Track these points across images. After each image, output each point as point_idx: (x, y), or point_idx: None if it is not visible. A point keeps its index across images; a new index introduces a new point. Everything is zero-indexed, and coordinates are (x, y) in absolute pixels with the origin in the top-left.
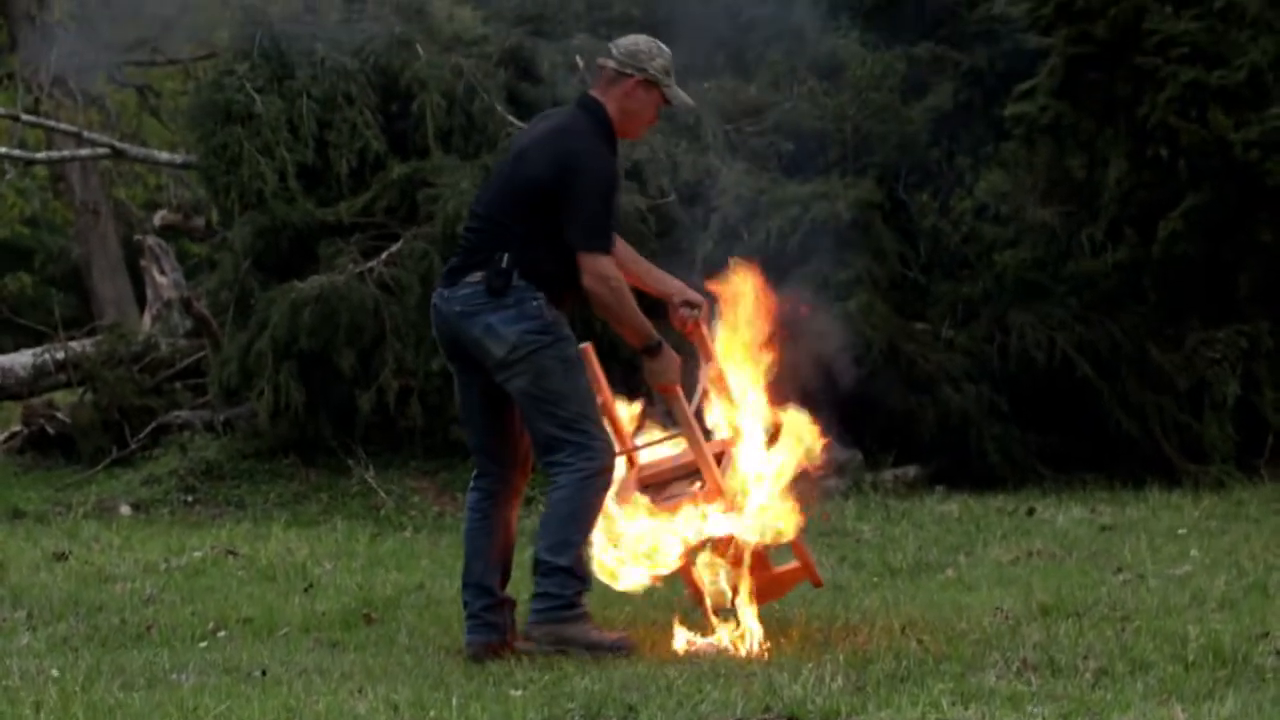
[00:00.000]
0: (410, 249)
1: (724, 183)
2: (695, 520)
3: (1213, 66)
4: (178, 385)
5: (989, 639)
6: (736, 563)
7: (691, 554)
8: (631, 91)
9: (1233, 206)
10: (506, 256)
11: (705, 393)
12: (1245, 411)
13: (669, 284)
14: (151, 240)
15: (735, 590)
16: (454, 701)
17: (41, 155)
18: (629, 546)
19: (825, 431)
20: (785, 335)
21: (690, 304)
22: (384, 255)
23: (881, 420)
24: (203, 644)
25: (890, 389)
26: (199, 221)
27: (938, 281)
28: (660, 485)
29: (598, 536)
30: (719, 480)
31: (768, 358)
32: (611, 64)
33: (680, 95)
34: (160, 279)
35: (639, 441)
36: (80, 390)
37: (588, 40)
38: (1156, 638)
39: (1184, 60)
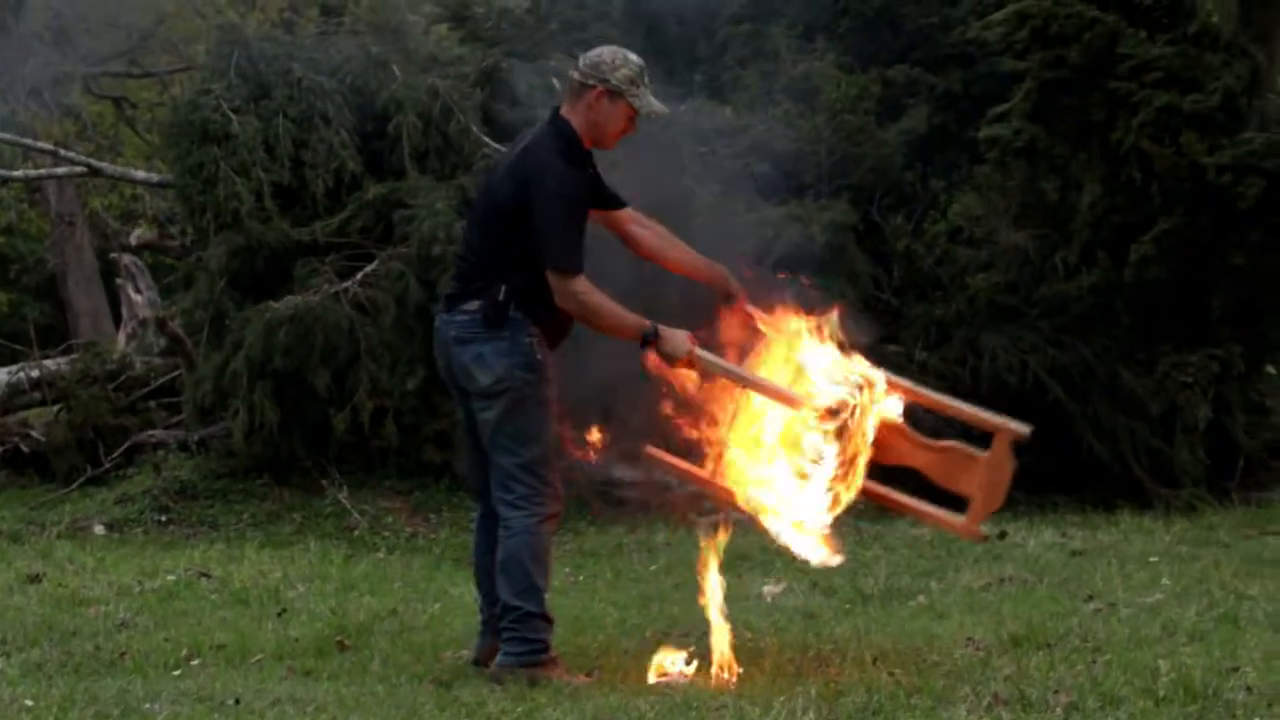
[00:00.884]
0: (386, 269)
1: (698, 204)
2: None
3: (1186, 91)
4: (152, 404)
5: (960, 671)
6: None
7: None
8: (595, 103)
9: (1205, 230)
10: (504, 288)
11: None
12: (1216, 435)
13: (712, 270)
14: (127, 259)
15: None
16: None
17: (18, 174)
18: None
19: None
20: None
21: (729, 295)
22: (359, 275)
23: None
24: (176, 672)
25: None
26: (175, 241)
27: (911, 304)
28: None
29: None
30: (789, 392)
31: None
32: (576, 76)
33: (649, 103)
34: (135, 297)
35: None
36: (55, 408)
37: (564, 61)
38: (1127, 671)
39: (1158, 85)
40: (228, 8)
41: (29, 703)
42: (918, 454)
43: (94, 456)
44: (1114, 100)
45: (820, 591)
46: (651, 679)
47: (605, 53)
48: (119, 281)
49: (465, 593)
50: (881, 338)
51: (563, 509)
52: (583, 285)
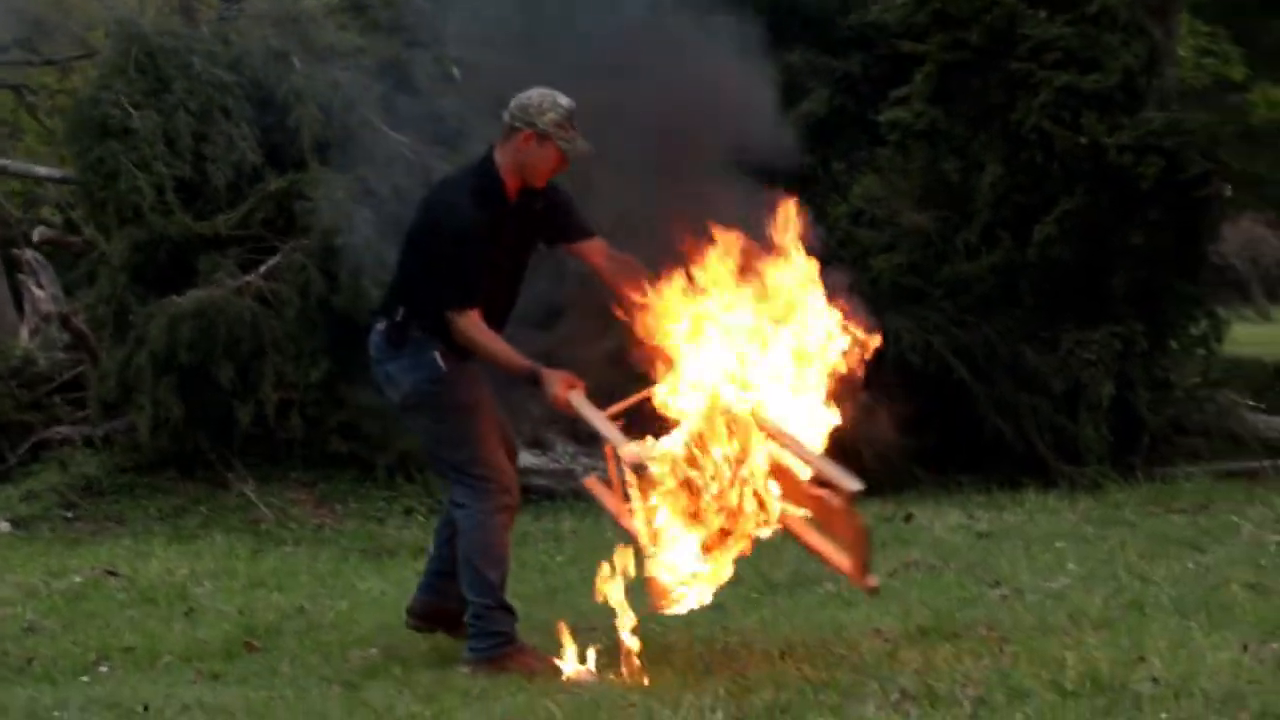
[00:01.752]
0: (288, 262)
1: (598, 187)
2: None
3: (1086, 71)
4: (57, 400)
5: (867, 665)
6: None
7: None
8: (523, 145)
9: (1106, 210)
10: (403, 310)
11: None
12: (1121, 412)
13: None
14: (30, 254)
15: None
16: None
17: None
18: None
19: None
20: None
21: None
22: (262, 268)
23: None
24: (84, 678)
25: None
26: (77, 236)
27: None
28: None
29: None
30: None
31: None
32: (506, 117)
33: (577, 146)
34: (38, 293)
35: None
36: None
37: (464, 51)
38: (1034, 663)
39: (1057, 65)
40: None
41: None
42: (800, 498)
43: None
44: (1014, 81)
45: (728, 581)
46: (567, 674)
47: (534, 96)
48: (21, 277)
49: (373, 587)
50: None
51: (514, 500)
52: (467, 322)
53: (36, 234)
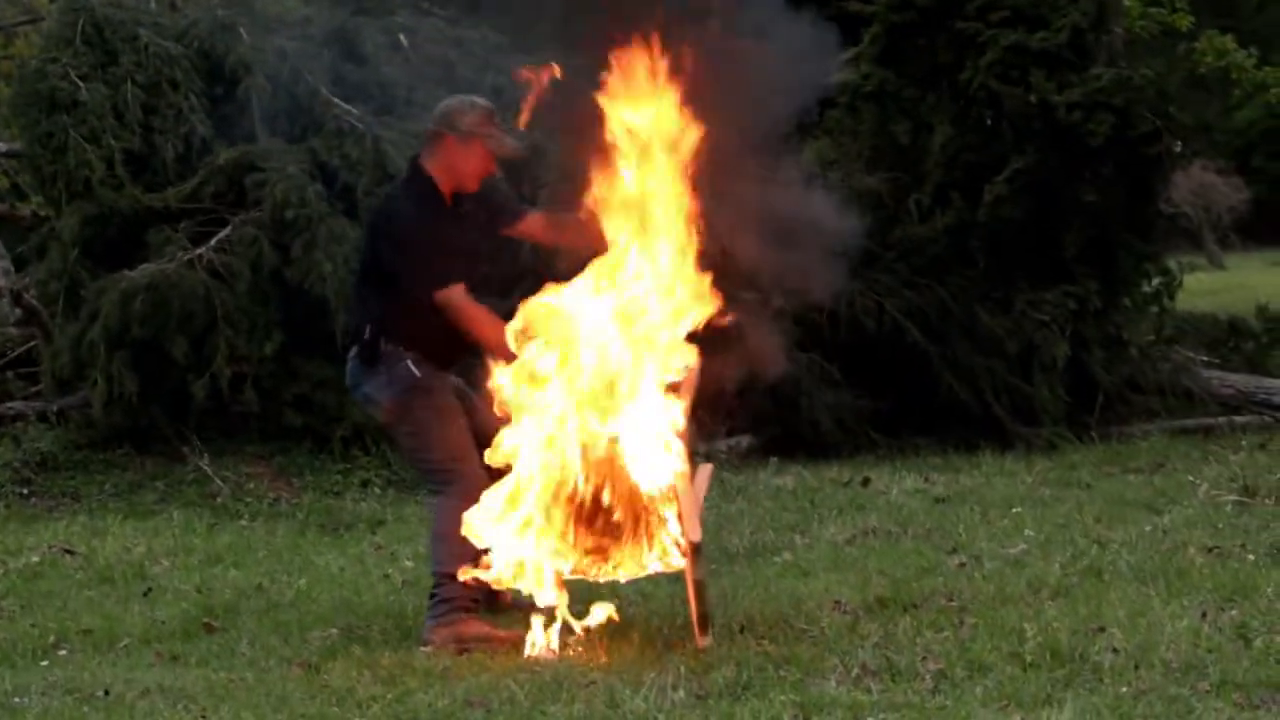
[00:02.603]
0: (239, 235)
1: (553, 157)
2: None
3: (1033, 29)
4: (9, 375)
5: (828, 639)
6: None
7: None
8: (450, 150)
9: (1056, 169)
10: (369, 328)
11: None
12: (1075, 371)
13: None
14: None
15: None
16: None
17: None
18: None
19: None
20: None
21: None
22: (213, 241)
23: (711, 389)
24: (44, 662)
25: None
26: (26, 207)
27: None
28: None
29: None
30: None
31: None
32: (430, 126)
33: (504, 143)
34: None
35: None
36: None
37: (410, 18)
38: (994, 634)
39: (1005, 24)
40: None
41: None
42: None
43: None
44: (962, 41)
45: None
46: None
47: (453, 103)
48: None
49: (330, 563)
50: (738, 285)
51: (477, 494)
52: (455, 295)
53: None
